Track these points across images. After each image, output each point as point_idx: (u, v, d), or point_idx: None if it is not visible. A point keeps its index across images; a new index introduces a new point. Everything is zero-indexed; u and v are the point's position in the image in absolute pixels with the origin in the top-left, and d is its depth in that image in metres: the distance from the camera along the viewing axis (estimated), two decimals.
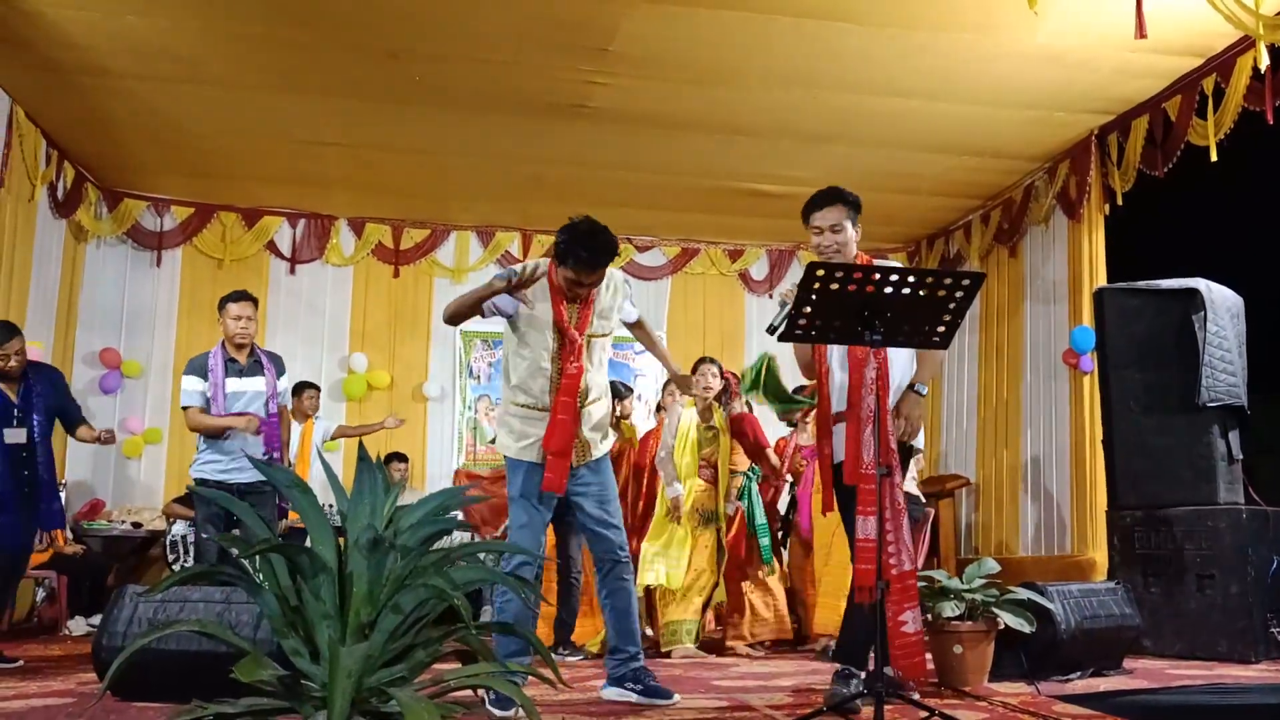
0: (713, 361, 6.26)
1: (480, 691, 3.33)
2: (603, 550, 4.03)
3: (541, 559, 4.06)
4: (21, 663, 5.14)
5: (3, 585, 5.49)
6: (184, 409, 5.33)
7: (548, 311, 3.94)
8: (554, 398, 3.92)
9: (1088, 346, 7.27)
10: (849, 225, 3.85)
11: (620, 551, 4.04)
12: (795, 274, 9.96)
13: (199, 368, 5.34)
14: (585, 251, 3.83)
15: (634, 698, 3.89)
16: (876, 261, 3.62)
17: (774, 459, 6.28)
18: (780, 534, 6.63)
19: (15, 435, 5.29)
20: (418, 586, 2.07)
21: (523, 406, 3.96)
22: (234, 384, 5.33)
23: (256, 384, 5.40)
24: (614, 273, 4.13)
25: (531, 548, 3.88)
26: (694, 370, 6.25)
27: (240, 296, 5.46)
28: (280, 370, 5.57)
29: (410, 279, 9.62)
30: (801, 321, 3.27)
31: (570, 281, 3.89)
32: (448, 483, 9.05)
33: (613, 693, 3.97)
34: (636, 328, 4.37)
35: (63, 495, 7.85)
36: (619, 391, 6.84)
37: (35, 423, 5.34)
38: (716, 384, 6.15)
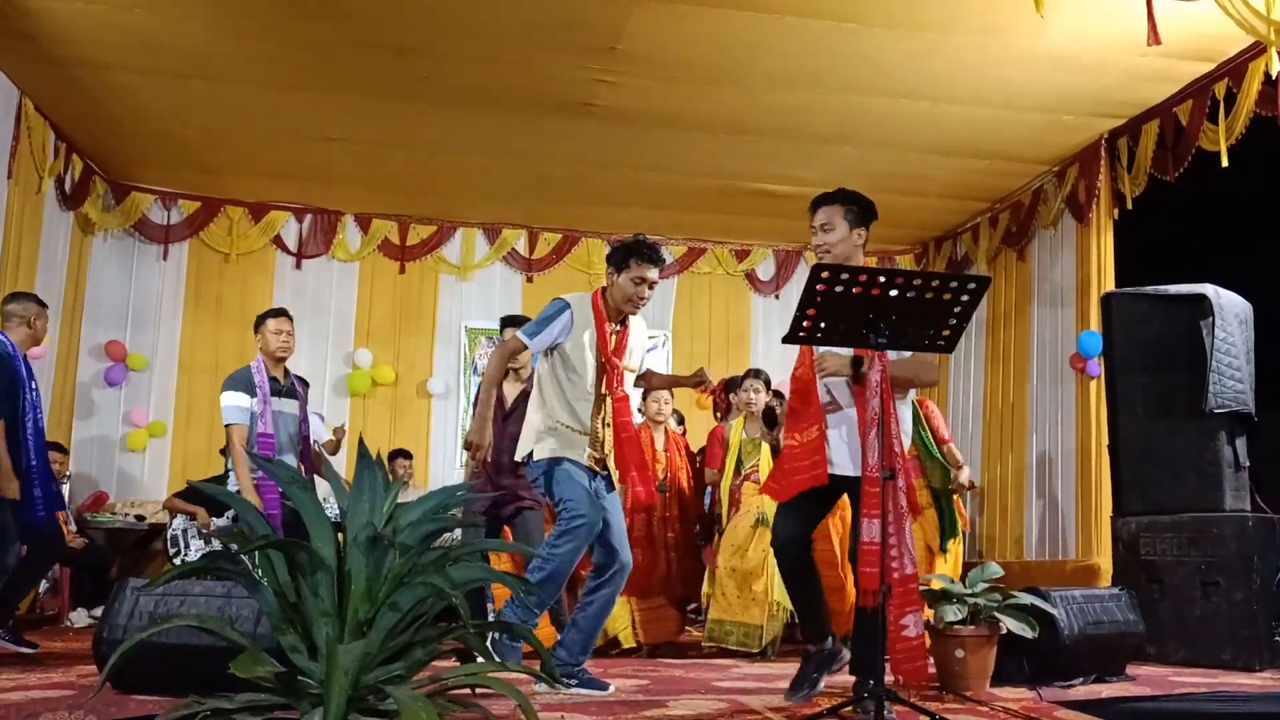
0: (759, 375, 6.21)
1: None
2: (613, 560, 4.19)
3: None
4: (39, 648, 5.17)
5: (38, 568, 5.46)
6: (229, 426, 5.18)
7: (592, 337, 4.14)
8: (601, 422, 4.16)
9: (1095, 351, 7.24)
10: (841, 224, 3.81)
11: (627, 564, 4.22)
12: (802, 274, 9.95)
13: (243, 383, 5.24)
14: (646, 248, 4.16)
15: (574, 688, 3.98)
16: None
17: None
18: None
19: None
20: (416, 585, 2.07)
21: (567, 427, 4.11)
22: (276, 403, 5.32)
23: (292, 406, 5.42)
24: (640, 322, 4.39)
25: (595, 523, 4.04)
26: (740, 384, 6.24)
27: (280, 313, 5.48)
28: (305, 396, 5.64)
29: (416, 275, 9.62)
30: (806, 324, 3.26)
31: (636, 282, 4.14)
32: (451, 480, 9.06)
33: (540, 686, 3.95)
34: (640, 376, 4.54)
35: (66, 488, 7.89)
36: None
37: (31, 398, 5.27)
38: (760, 398, 6.11)
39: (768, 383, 6.24)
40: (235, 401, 5.20)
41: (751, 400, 6.10)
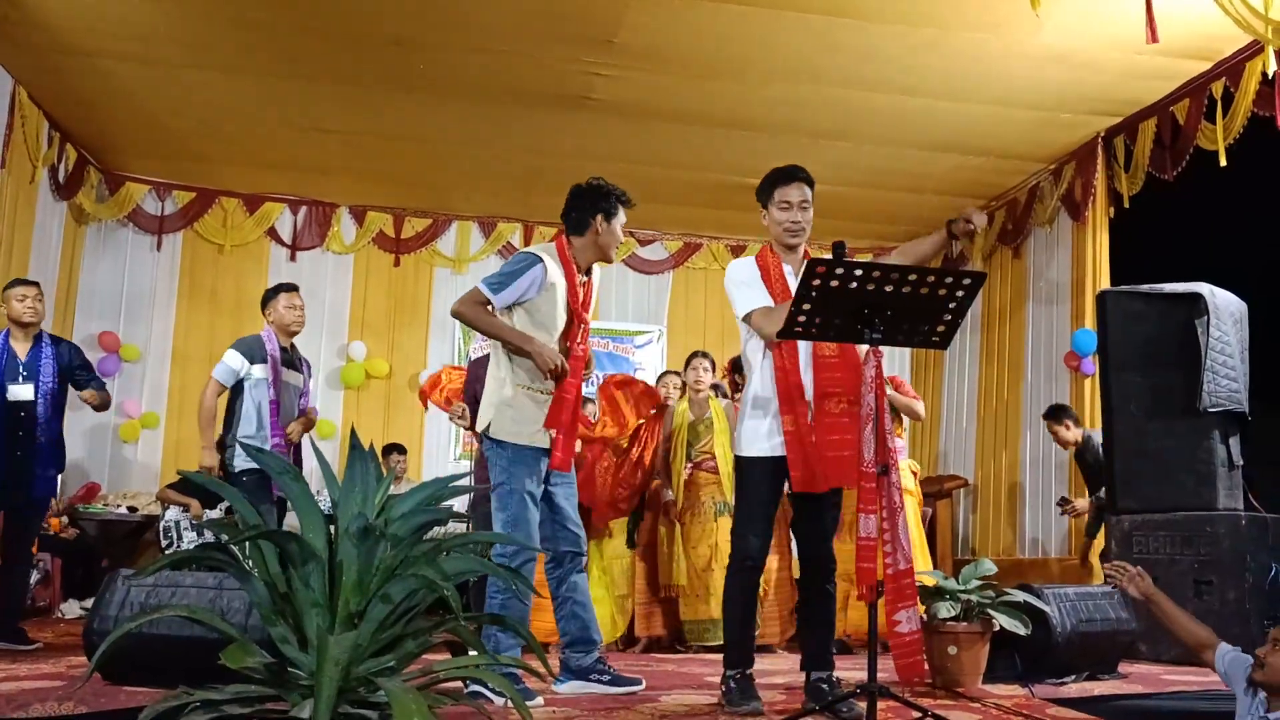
0: (705, 355, 6.22)
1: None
2: (567, 544, 4.01)
3: (537, 550, 4.03)
4: (40, 645, 5.19)
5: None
6: (212, 378, 5.27)
7: (563, 287, 3.91)
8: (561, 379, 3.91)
9: (1089, 349, 7.25)
10: (811, 207, 3.80)
11: (583, 545, 4.08)
12: None
13: (251, 349, 5.29)
14: (626, 193, 4.02)
15: (601, 689, 3.89)
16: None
17: None
18: None
19: (21, 392, 5.22)
20: (408, 576, 2.05)
21: (528, 389, 3.85)
22: (285, 374, 5.38)
23: (297, 379, 5.48)
24: (598, 273, 4.23)
25: (535, 541, 3.85)
26: (687, 365, 6.24)
27: (293, 288, 5.55)
28: (310, 373, 5.69)
29: (411, 268, 9.60)
30: (800, 318, 3.25)
31: (615, 231, 4.00)
32: (444, 472, 9.03)
33: (576, 686, 3.91)
34: None
35: (59, 478, 7.85)
36: None
37: (41, 382, 5.28)
38: (708, 378, 6.13)
39: (714, 365, 6.24)
40: (231, 361, 5.27)
41: (700, 380, 6.08)
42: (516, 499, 3.81)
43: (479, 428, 3.91)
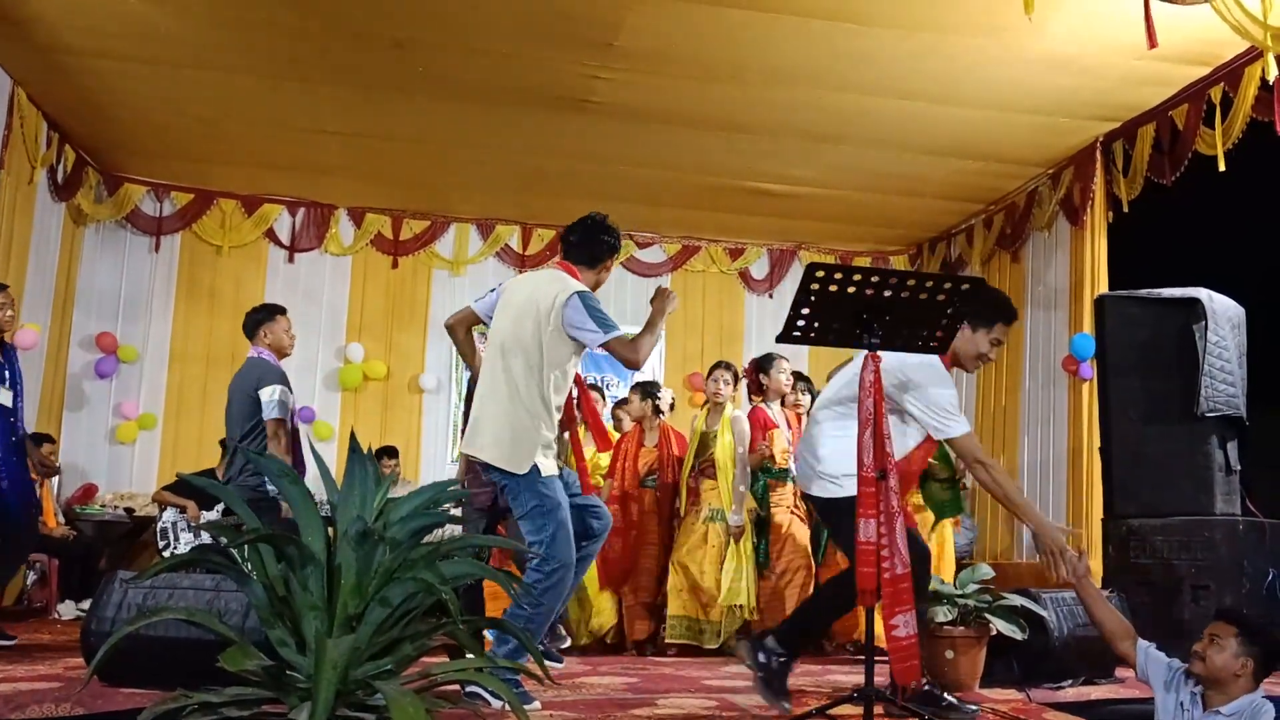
0: (727, 367, 6.13)
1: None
2: (594, 519, 4.07)
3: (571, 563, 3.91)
4: (16, 640, 5.13)
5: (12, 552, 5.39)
6: (277, 420, 4.96)
7: None
8: (567, 406, 4.00)
9: (1088, 353, 7.26)
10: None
11: (606, 528, 4.15)
12: (795, 273, 9.94)
13: (283, 377, 5.08)
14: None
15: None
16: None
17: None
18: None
19: (4, 397, 5.18)
20: (406, 580, 2.06)
21: (554, 434, 3.91)
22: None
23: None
24: None
25: (572, 554, 3.80)
26: (709, 375, 6.20)
27: (284, 310, 5.34)
28: None
29: (409, 270, 9.60)
30: (800, 323, 3.25)
31: (610, 271, 4.16)
32: (442, 475, 9.03)
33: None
34: None
35: (56, 479, 7.86)
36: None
37: (19, 389, 5.26)
38: (728, 390, 6.04)
39: (736, 376, 6.17)
40: (282, 397, 5.01)
41: (719, 391, 6.06)
42: (556, 516, 3.76)
43: (518, 470, 3.77)
